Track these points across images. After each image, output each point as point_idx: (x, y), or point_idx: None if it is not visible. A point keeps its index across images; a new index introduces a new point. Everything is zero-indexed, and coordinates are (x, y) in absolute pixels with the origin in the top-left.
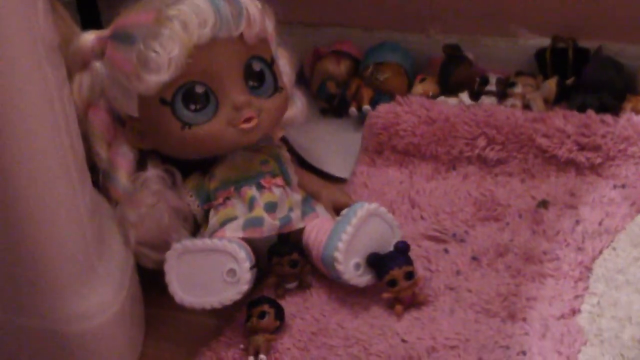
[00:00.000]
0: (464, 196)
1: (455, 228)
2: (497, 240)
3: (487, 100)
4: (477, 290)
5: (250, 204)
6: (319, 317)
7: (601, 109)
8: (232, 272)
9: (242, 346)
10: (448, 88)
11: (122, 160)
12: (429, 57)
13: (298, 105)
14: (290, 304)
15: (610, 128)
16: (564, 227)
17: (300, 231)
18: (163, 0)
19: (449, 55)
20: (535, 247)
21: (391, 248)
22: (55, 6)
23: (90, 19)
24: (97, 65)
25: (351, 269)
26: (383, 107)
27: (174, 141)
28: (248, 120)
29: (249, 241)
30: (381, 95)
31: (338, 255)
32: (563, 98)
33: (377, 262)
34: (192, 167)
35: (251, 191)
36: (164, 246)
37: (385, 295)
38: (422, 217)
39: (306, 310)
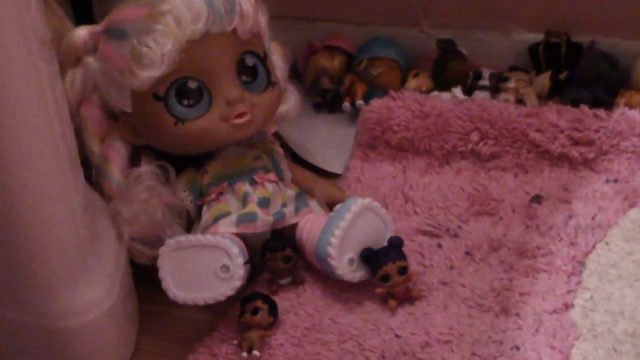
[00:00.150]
0: (457, 191)
1: (448, 223)
2: (490, 235)
3: (481, 95)
4: (470, 285)
5: (244, 199)
6: (312, 313)
7: (594, 103)
8: (225, 268)
9: (235, 342)
10: (441, 83)
11: (115, 156)
12: (423, 52)
13: (291, 100)
14: (283, 300)
15: (603, 123)
16: (557, 222)
17: (294, 226)
18: None
19: (443, 50)
20: (528, 241)
21: (385, 243)
22: (47, 1)
23: (83, 14)
24: (90, 60)
25: (345, 264)
26: (376, 102)
27: (167, 137)
28: (241, 115)
29: (242, 237)
30: (375, 90)
31: (331, 250)
32: (556, 93)
33: (370, 257)
34: (186, 162)
35: (244, 187)
36: (157, 242)
37: (379, 290)
38: (415, 212)
39: (300, 305)
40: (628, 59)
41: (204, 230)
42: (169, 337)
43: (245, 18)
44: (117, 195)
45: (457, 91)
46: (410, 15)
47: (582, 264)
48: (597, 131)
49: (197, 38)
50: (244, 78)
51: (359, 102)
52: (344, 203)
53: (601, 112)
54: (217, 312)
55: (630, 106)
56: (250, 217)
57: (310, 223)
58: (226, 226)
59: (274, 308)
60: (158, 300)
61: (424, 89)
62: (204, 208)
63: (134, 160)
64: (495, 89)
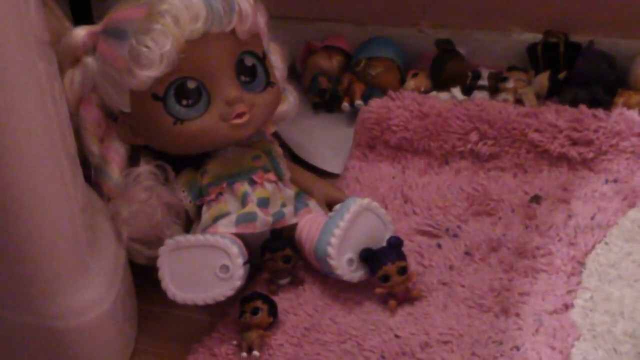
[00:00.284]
0: (456, 191)
1: (448, 223)
2: (489, 235)
3: (479, 95)
4: (470, 285)
5: (243, 199)
6: (312, 313)
7: (593, 103)
8: (225, 268)
9: (235, 342)
10: (440, 83)
11: (114, 156)
12: (421, 52)
13: (290, 100)
14: (283, 300)
15: (602, 123)
16: (556, 222)
17: (293, 226)
18: None
19: (441, 50)
20: (528, 242)
21: (384, 243)
22: (46, 1)
23: (81, 14)
24: (89, 60)
25: (344, 264)
26: (375, 102)
27: (166, 137)
28: (240, 115)
29: (241, 237)
30: (373, 90)
31: (331, 250)
32: (555, 93)
33: (370, 258)
34: (185, 162)
35: (244, 187)
36: (156, 242)
37: (379, 290)
38: (414, 212)
39: (299, 306)
40: (626, 58)
41: (204, 230)
42: (168, 337)
43: (244, 18)
44: (116, 196)
45: (456, 91)
46: (409, 15)
47: (581, 264)
48: (595, 131)
49: (196, 38)
50: (242, 78)
51: (358, 102)
52: (344, 203)
53: (600, 112)
54: (216, 312)
55: (629, 106)
56: (250, 217)
57: (310, 223)
58: (225, 226)
59: (274, 308)
60: (157, 300)
61: (422, 89)
62: (204, 208)
63: (132, 160)
64: (494, 89)
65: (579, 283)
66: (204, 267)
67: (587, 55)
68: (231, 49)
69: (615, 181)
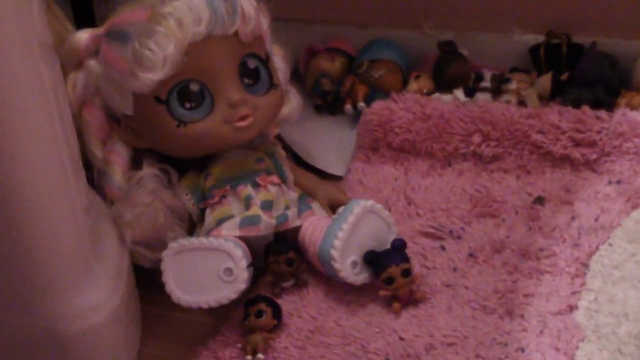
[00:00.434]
0: (459, 193)
1: (451, 225)
2: (493, 236)
3: (482, 97)
4: (474, 287)
5: (247, 202)
6: (316, 316)
7: (595, 104)
8: (229, 270)
9: (239, 345)
10: (443, 85)
11: (117, 159)
12: (424, 53)
13: (293, 102)
14: (287, 303)
15: (605, 124)
16: (559, 224)
17: (297, 229)
18: None
19: (444, 51)
20: (531, 243)
21: (388, 245)
22: (49, 4)
23: (83, 16)
24: (92, 63)
25: (348, 266)
26: (378, 104)
27: (169, 139)
28: (243, 118)
29: (245, 240)
30: (376, 92)
31: (334, 253)
32: (557, 94)
33: (374, 260)
34: (188, 165)
35: (247, 189)
36: (160, 245)
37: (383, 292)
38: (418, 214)
39: (303, 308)
40: (628, 59)
41: (207, 233)
42: (172, 340)
43: (247, 20)
44: (119, 198)
45: (459, 93)
46: (411, 17)
47: (585, 265)
48: (598, 132)
49: (199, 40)
50: (246, 80)
51: (361, 104)
52: (347, 205)
53: (603, 114)
54: (220, 315)
55: (632, 107)
56: (254, 220)
57: (313, 226)
58: (229, 229)
59: (278, 311)
60: (161, 303)
61: (425, 91)
62: (207, 211)
63: (136, 163)
64: (496, 91)
65: (583, 284)
66: (207, 270)
67: (589, 56)
68: (234, 51)
69: (618, 182)
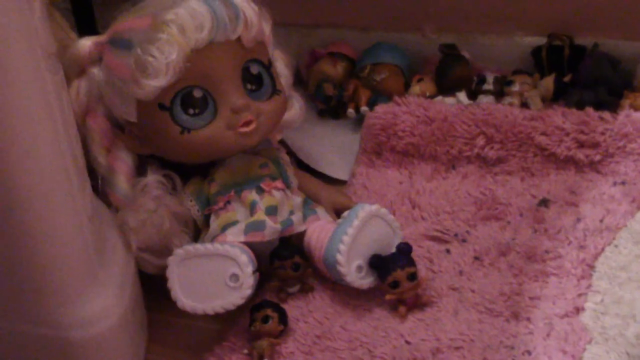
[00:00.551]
0: (464, 196)
1: (456, 228)
2: (498, 239)
3: (485, 99)
4: (480, 290)
5: (252, 208)
6: (322, 320)
7: (598, 105)
8: (234, 276)
9: (245, 351)
10: (445, 87)
11: (122, 166)
12: (426, 57)
13: (296, 108)
14: (293, 308)
15: (609, 125)
16: (565, 225)
17: (302, 234)
18: (159, 5)
19: (446, 54)
20: (537, 245)
21: (393, 249)
22: (51, 11)
23: (85, 24)
24: (95, 71)
25: (353, 271)
26: (381, 108)
27: (173, 146)
28: (247, 123)
29: (250, 245)
30: (378, 96)
31: (340, 257)
32: (560, 96)
33: (379, 264)
34: (192, 171)
35: (252, 195)
36: (165, 252)
37: (388, 296)
38: (422, 218)
39: (309, 313)
40: (631, 60)
41: (212, 240)
42: (178, 347)
43: (250, 26)
44: (124, 206)
45: (462, 95)
46: (412, 20)
47: (591, 267)
48: (602, 133)
49: (201, 47)
50: (249, 86)
51: (364, 108)
52: (352, 210)
53: (606, 115)
54: (226, 321)
55: (635, 108)
56: (259, 226)
57: (318, 230)
58: (234, 235)
59: (284, 316)
60: (167, 309)
61: (428, 94)
62: (212, 217)
63: (140, 170)
64: (499, 93)
65: (589, 286)
66: (213, 276)
67: (591, 58)
68: (237, 57)
69: (623, 183)
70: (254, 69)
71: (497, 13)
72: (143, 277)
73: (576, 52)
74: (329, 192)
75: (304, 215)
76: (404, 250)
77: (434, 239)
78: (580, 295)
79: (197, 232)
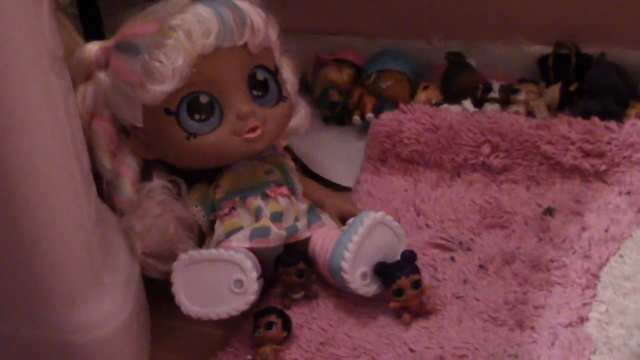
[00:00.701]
0: (469, 204)
1: (461, 236)
2: (503, 248)
3: (491, 108)
4: (484, 299)
5: (257, 214)
6: (326, 327)
7: (604, 115)
8: (239, 282)
9: (249, 357)
10: (451, 95)
11: (127, 171)
12: (432, 64)
13: (302, 114)
14: (297, 315)
15: (615, 135)
16: (570, 235)
17: (307, 241)
18: (167, 10)
19: (452, 62)
20: (542, 255)
21: (398, 257)
22: (58, 16)
23: (92, 29)
24: (102, 75)
25: (358, 278)
26: (387, 115)
27: (179, 151)
28: (253, 130)
29: (255, 251)
30: (384, 103)
31: (345, 264)
32: (566, 105)
33: (384, 272)
34: (197, 177)
35: (257, 201)
36: (170, 257)
37: (393, 304)
38: (427, 226)
39: (313, 320)
40: (638, 70)
41: (217, 245)
42: (182, 352)
43: (257, 32)
44: (129, 210)
45: (468, 104)
46: (419, 28)
47: (596, 277)
48: (608, 143)
49: (208, 53)
50: (255, 92)
51: (369, 115)
52: (357, 217)
53: (612, 124)
54: (230, 327)
55: None
56: (264, 232)
57: (323, 237)
58: (239, 241)
59: (288, 323)
60: (171, 315)
61: (434, 102)
62: (217, 223)
63: (145, 175)
64: (505, 102)
65: (594, 296)
66: (218, 281)
67: (598, 67)
68: (243, 63)
69: (629, 193)
70: (261, 75)
71: (504, 22)
72: (147, 282)
73: (583, 61)
74: (334, 199)
75: (309, 222)
76: (409, 258)
77: (438, 247)
78: (585, 305)
79: (202, 237)
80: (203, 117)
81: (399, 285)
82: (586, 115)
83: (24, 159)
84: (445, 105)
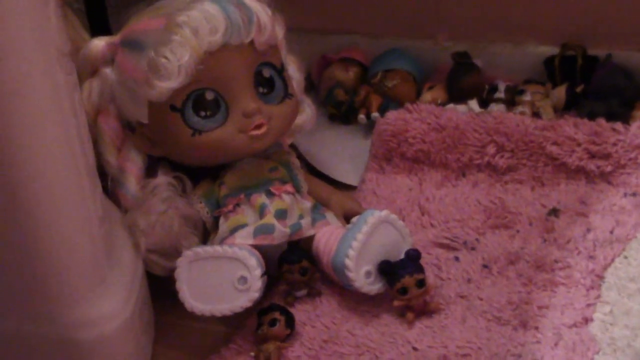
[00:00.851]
0: (473, 204)
1: (465, 236)
2: (507, 248)
3: (496, 108)
4: (488, 298)
5: (261, 211)
6: (329, 325)
7: (610, 116)
8: (243, 279)
9: (252, 354)
10: (457, 95)
11: (132, 167)
12: (438, 64)
13: (307, 112)
14: (300, 312)
15: (620, 136)
16: (574, 235)
17: (310, 238)
18: (173, 6)
19: (458, 62)
20: (546, 255)
21: (402, 256)
22: (64, 11)
23: (98, 24)
24: (107, 71)
25: (362, 276)
26: (392, 114)
27: (184, 148)
28: (258, 127)
29: (259, 248)
30: (390, 102)
31: (349, 262)
32: (572, 106)
33: (388, 270)
34: (202, 174)
35: (261, 198)
36: (173, 253)
37: (396, 303)
38: (432, 225)
39: (316, 318)
40: None
41: (221, 242)
42: (185, 349)
43: (263, 30)
44: (133, 207)
45: (473, 104)
46: (425, 28)
47: (600, 277)
48: (614, 144)
49: (214, 49)
50: (261, 90)
51: (374, 114)
52: (362, 215)
53: (618, 126)
54: (233, 323)
55: None
56: (268, 229)
57: (327, 235)
58: (243, 238)
59: (291, 320)
60: (174, 311)
61: (439, 102)
62: (221, 219)
63: (150, 171)
64: (511, 102)
65: (598, 297)
66: (221, 278)
67: (604, 68)
68: (249, 60)
69: (634, 195)
70: (266, 73)
71: (510, 22)
72: (151, 278)
73: (589, 62)
74: (338, 197)
75: (313, 220)
76: (413, 256)
77: (442, 246)
78: (589, 305)
79: (206, 234)
80: (208, 113)
81: (403, 284)
82: (592, 116)
83: (30, 155)
84: (451, 105)
